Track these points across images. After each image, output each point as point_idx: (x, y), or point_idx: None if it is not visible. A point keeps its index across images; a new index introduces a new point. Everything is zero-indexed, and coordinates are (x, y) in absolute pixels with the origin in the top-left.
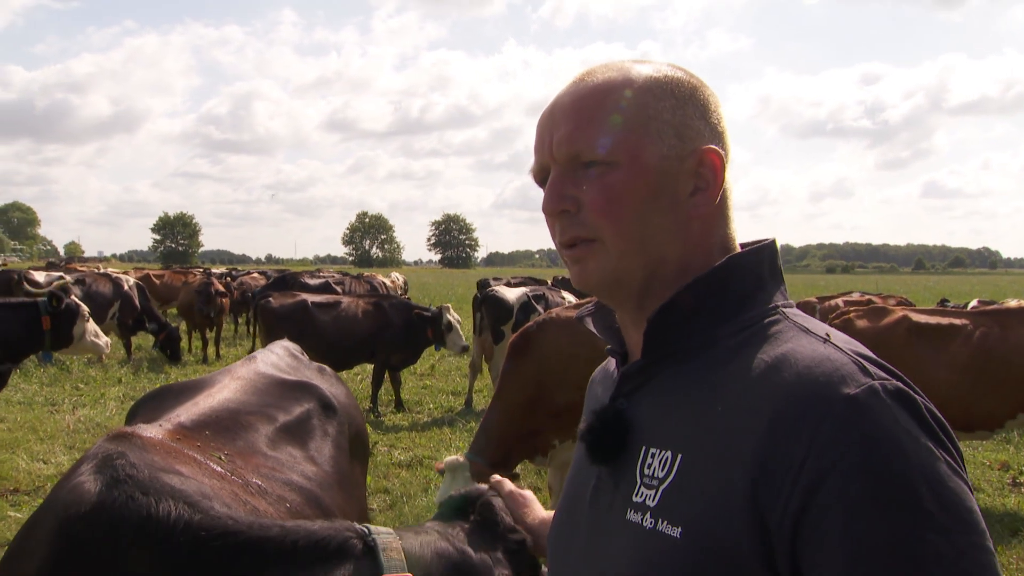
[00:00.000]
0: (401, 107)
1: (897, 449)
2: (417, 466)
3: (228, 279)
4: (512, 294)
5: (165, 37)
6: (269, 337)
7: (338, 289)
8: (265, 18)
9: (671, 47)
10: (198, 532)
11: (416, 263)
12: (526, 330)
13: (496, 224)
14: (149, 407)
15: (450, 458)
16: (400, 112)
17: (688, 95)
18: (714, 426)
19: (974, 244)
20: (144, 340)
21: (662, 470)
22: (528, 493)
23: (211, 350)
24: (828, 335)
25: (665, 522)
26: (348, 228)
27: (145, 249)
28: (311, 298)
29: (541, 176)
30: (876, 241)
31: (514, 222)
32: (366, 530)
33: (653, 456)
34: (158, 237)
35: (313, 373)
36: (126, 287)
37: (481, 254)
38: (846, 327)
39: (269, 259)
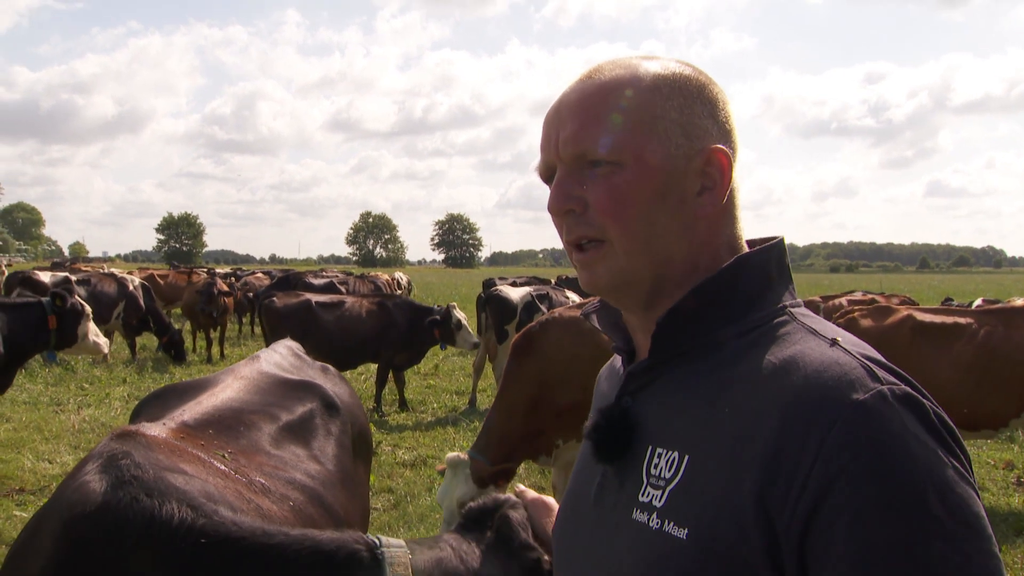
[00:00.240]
0: (405, 107)
1: (905, 455)
2: (421, 466)
3: (232, 279)
4: (516, 294)
5: (169, 38)
6: (273, 337)
7: (342, 289)
8: (269, 18)
9: (674, 47)
10: (200, 537)
11: (420, 263)
12: (529, 330)
13: (500, 224)
14: (153, 406)
15: (451, 455)
16: (404, 112)
17: (696, 93)
18: (722, 428)
19: (978, 243)
20: (148, 340)
21: (669, 471)
22: (551, 500)
23: (215, 350)
24: (837, 337)
25: (672, 523)
26: (352, 228)
27: (149, 249)
28: (315, 298)
29: (547, 174)
30: (880, 240)
31: (517, 222)
32: (376, 541)
33: (660, 456)
34: (162, 237)
35: (316, 372)
36: (131, 287)
37: (485, 254)
38: (850, 326)
39: (273, 259)
